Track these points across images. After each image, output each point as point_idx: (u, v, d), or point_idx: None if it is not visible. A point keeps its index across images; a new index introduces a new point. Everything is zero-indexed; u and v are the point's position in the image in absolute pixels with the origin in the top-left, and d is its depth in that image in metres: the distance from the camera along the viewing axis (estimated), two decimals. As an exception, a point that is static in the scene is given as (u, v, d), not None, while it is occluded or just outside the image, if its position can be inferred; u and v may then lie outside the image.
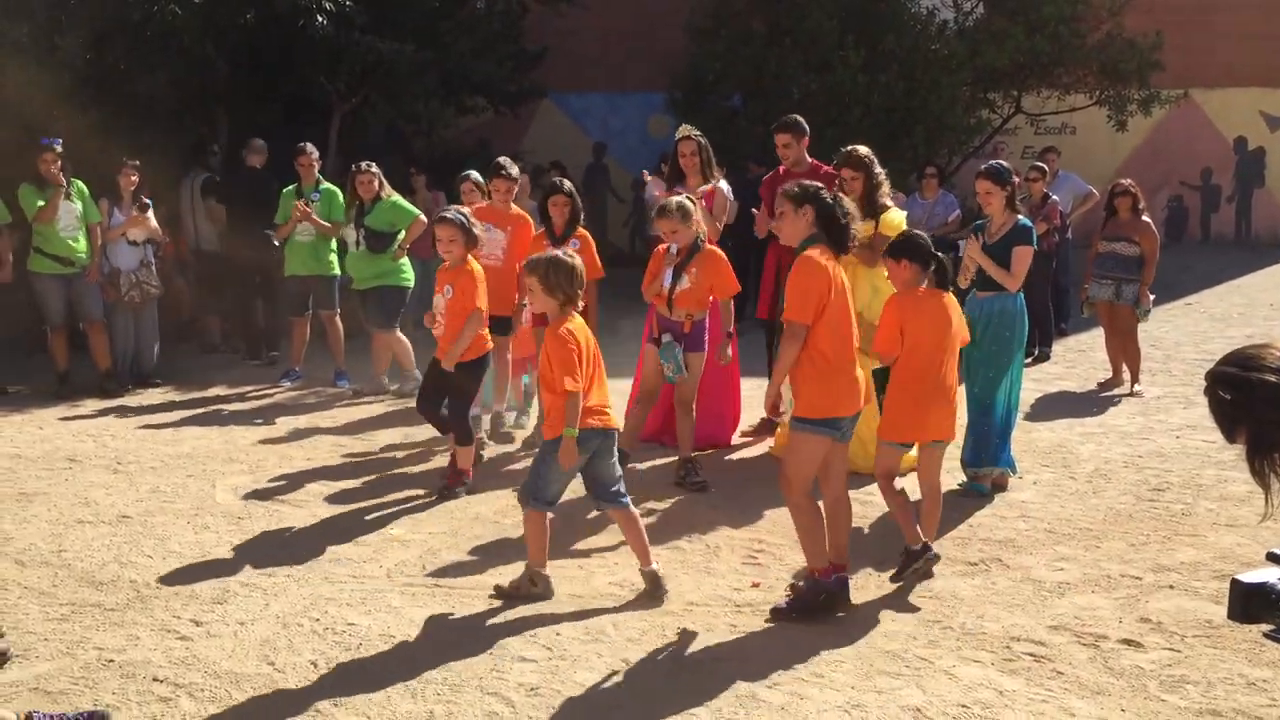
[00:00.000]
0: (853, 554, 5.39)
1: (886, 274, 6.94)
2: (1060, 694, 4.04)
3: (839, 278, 4.76)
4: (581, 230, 7.30)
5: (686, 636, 4.53)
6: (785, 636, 4.52)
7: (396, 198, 9.12)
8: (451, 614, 4.77)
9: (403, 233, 8.99)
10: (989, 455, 6.39)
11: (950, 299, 5.32)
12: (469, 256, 6.43)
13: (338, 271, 9.60)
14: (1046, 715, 3.89)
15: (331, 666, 4.27)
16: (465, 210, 6.66)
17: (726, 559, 5.43)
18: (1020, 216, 6.44)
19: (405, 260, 9.12)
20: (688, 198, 6.52)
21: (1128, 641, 4.45)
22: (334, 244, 9.57)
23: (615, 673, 4.22)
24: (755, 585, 5.08)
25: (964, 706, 3.95)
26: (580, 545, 5.60)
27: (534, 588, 4.91)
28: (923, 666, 4.26)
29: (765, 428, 7.75)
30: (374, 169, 9.03)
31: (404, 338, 9.20)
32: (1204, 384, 2.68)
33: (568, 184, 7.42)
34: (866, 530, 5.84)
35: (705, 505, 6.23)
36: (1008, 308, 6.37)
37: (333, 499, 6.42)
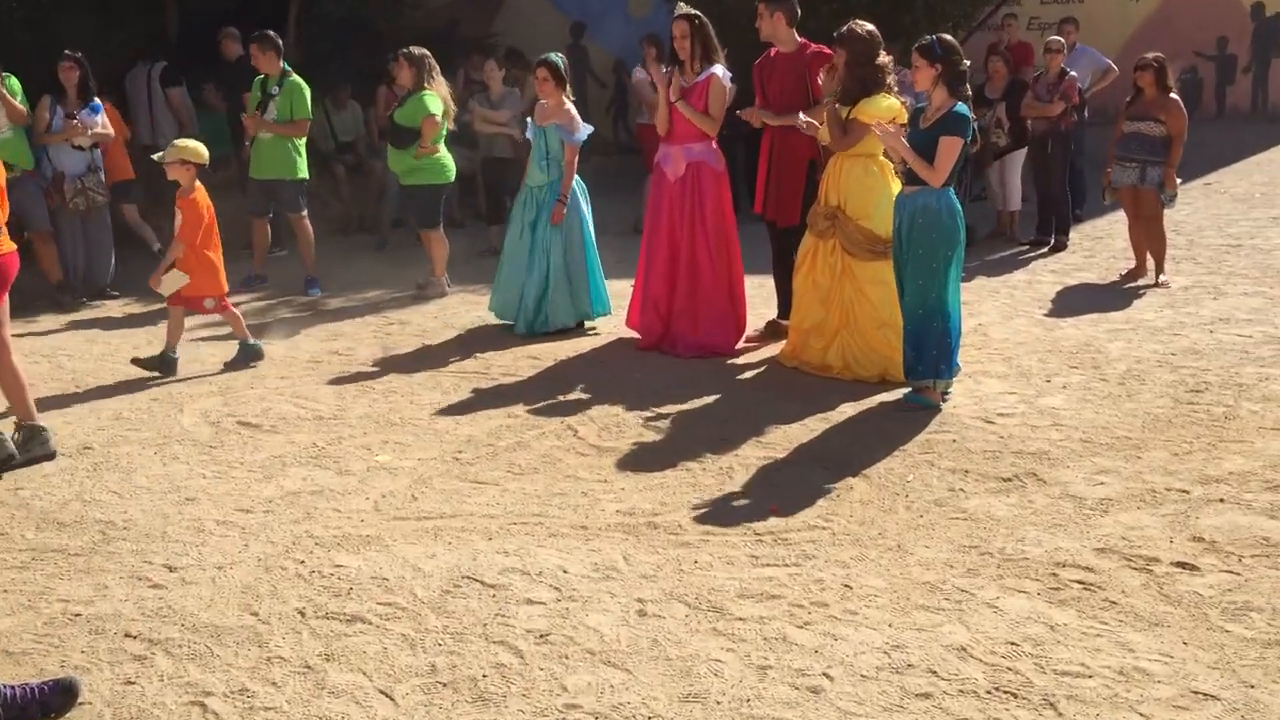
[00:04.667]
0: (874, 474, 5.03)
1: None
2: (1116, 626, 3.70)
3: None
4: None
5: (705, 571, 4.16)
6: (812, 568, 4.16)
7: (427, 92, 8.46)
8: (448, 551, 4.39)
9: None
10: (929, 367, 5.83)
11: None
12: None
13: (304, 174, 9.02)
14: (1104, 651, 3.54)
15: (321, 615, 3.89)
16: None
17: (741, 480, 5.04)
18: (959, 103, 5.72)
19: (442, 155, 8.59)
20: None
21: (1182, 564, 4.10)
22: (301, 144, 8.97)
23: (630, 615, 3.85)
24: (775, 510, 4.70)
25: (1013, 644, 3.60)
26: (583, 472, 5.20)
27: None
28: (964, 599, 3.90)
29: (771, 332, 7.32)
30: (415, 54, 8.34)
31: (444, 239, 8.73)
32: None
33: None
34: (894, 442, 5.44)
35: (712, 421, 5.83)
36: (930, 205, 5.72)
37: (311, 423, 5.96)
